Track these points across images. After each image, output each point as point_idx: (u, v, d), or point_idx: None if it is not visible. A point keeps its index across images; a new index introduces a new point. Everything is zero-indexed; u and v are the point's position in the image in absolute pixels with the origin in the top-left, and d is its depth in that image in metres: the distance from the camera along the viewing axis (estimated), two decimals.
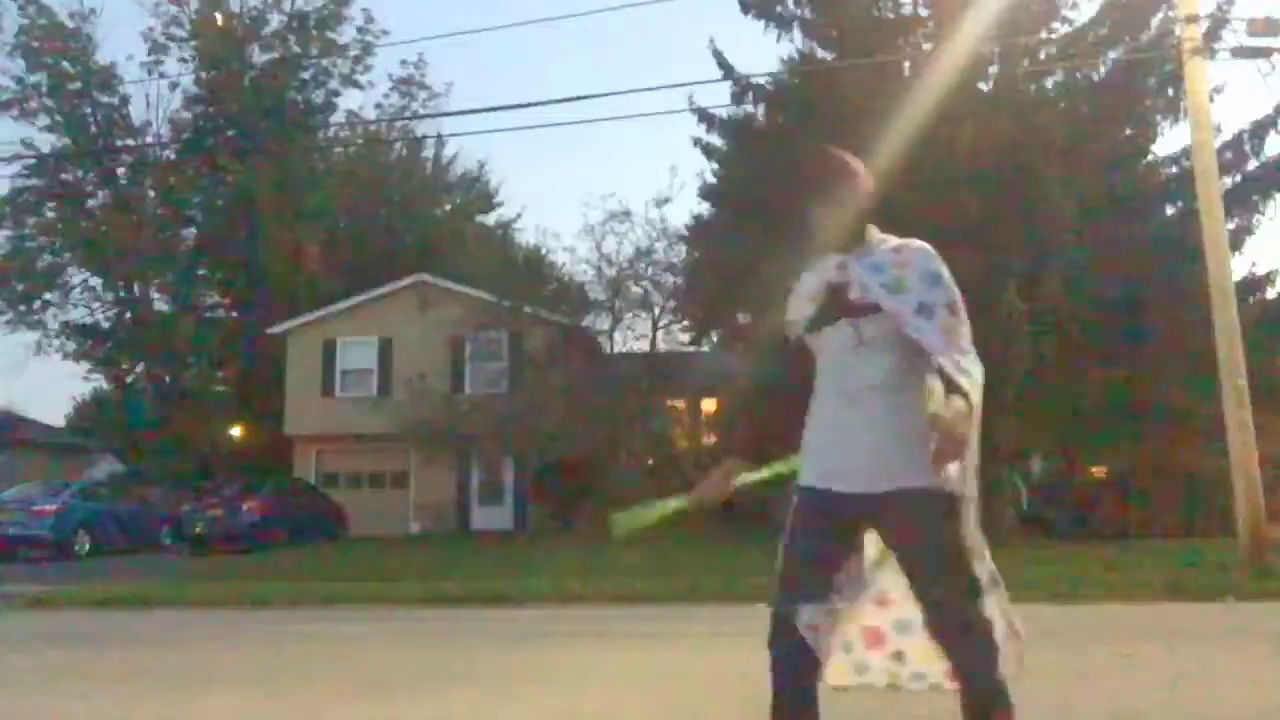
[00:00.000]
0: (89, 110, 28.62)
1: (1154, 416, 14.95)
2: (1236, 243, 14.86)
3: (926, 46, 16.41)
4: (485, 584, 9.99)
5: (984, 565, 2.46)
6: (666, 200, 20.18)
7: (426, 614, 8.47)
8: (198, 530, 18.32)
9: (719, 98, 27.14)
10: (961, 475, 2.39)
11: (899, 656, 2.65)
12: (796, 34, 17.12)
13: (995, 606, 2.47)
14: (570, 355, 21.34)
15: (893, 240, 2.53)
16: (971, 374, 2.35)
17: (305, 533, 18.79)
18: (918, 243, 2.51)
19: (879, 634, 2.65)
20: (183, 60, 29.13)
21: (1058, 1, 16.21)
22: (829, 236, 2.52)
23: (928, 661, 2.57)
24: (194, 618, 8.52)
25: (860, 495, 2.38)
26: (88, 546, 17.33)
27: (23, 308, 28.67)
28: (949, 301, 2.42)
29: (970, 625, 2.37)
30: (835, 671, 2.67)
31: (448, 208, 36.00)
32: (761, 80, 17.37)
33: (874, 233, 2.54)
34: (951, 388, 2.30)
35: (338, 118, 30.90)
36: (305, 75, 30.33)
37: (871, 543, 2.55)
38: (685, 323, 21.49)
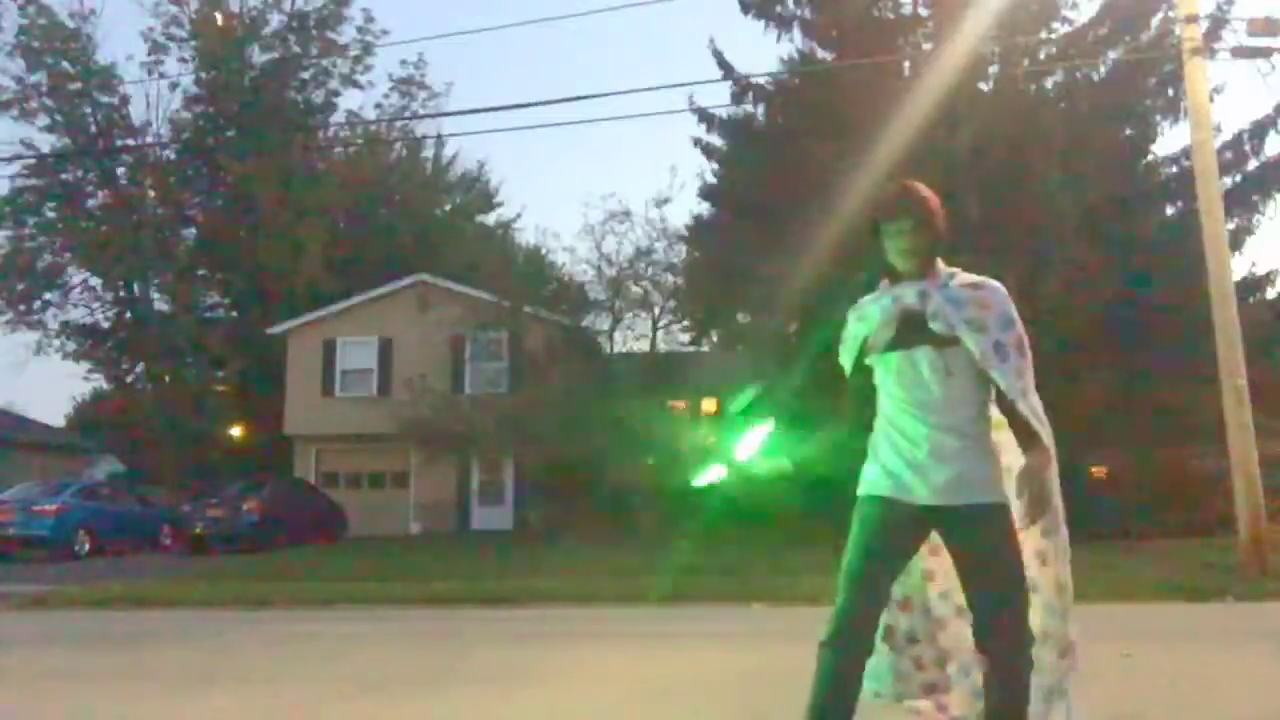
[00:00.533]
0: (89, 110, 28.57)
1: (1154, 416, 14.94)
2: (1236, 243, 14.86)
3: (926, 46, 16.42)
4: (485, 584, 9.99)
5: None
6: (666, 200, 20.16)
7: (426, 614, 8.47)
8: (198, 530, 18.31)
9: (719, 98, 27.14)
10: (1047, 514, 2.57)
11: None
12: (796, 34, 17.15)
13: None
14: (570, 355, 21.34)
15: (964, 275, 2.65)
16: (1041, 417, 2.56)
17: (305, 533, 18.77)
18: (993, 283, 2.64)
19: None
20: (183, 60, 29.08)
21: (1058, 1, 16.22)
22: (904, 262, 2.61)
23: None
24: (194, 618, 8.52)
25: (937, 508, 2.52)
26: (88, 546, 17.31)
27: (23, 308, 28.64)
28: (1020, 343, 2.57)
29: (1023, 644, 2.50)
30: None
31: (448, 208, 35.97)
32: (761, 80, 17.39)
33: (941, 264, 2.66)
34: (1030, 437, 2.55)
35: (338, 118, 30.84)
36: (305, 75, 30.27)
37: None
38: (685, 323, 21.48)
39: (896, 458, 2.58)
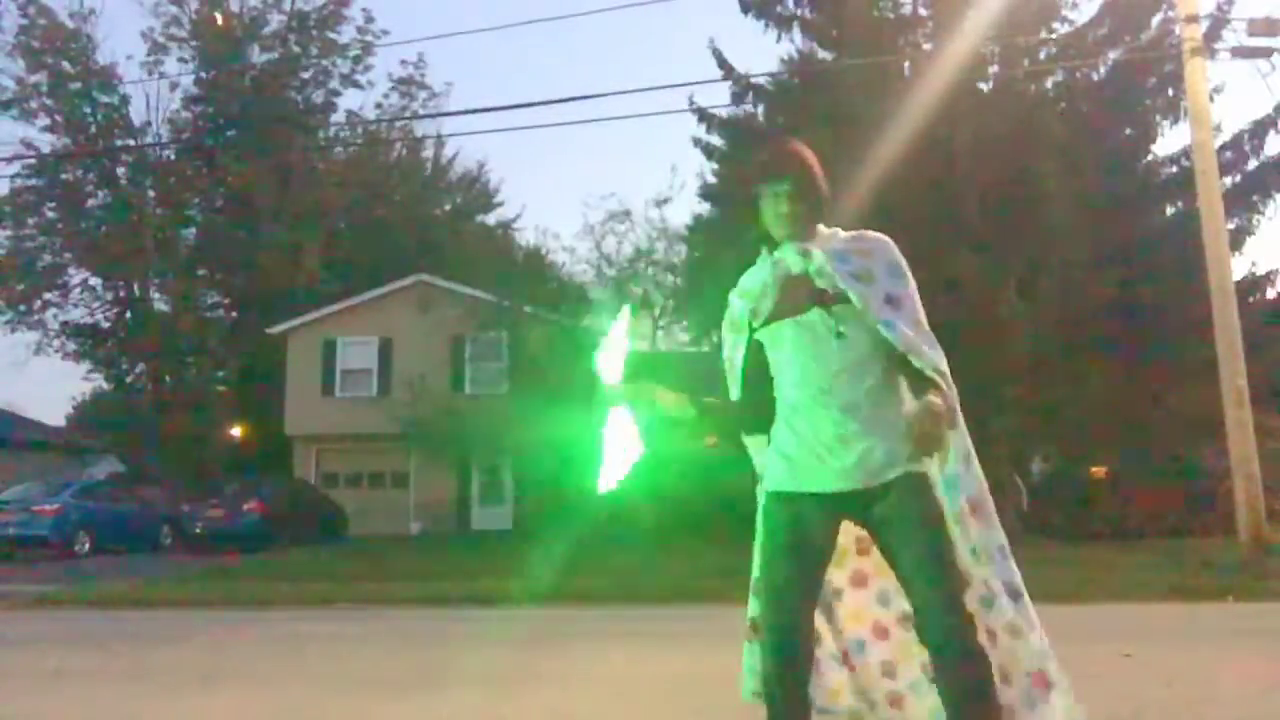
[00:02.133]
0: (89, 110, 28.59)
1: (1154, 416, 14.94)
2: (1236, 243, 14.86)
3: (926, 46, 16.41)
4: (485, 584, 9.99)
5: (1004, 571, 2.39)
6: (666, 200, 20.18)
7: (426, 614, 8.47)
8: (198, 530, 18.32)
9: (719, 98, 27.12)
10: (963, 467, 2.39)
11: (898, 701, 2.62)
12: (796, 34, 17.13)
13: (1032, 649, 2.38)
14: (570, 355, 21.32)
15: (844, 232, 2.47)
16: (942, 369, 2.31)
17: (305, 533, 18.77)
18: (874, 233, 2.46)
19: (900, 699, 2.61)
20: (183, 60, 29.13)
21: (1058, 1, 16.22)
22: (784, 228, 2.43)
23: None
24: (194, 618, 8.52)
25: (843, 494, 2.29)
26: (88, 546, 17.31)
27: (23, 308, 28.66)
28: (912, 294, 2.39)
29: (961, 629, 2.22)
30: (830, 693, 2.66)
31: (448, 208, 35.98)
32: (761, 80, 17.38)
33: (822, 228, 2.48)
34: (923, 383, 2.29)
35: (338, 118, 30.90)
36: (305, 75, 30.31)
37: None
38: (685, 323, 21.47)
39: (794, 444, 2.35)
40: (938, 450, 2.23)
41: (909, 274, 2.42)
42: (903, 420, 2.28)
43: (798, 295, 2.37)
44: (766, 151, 2.51)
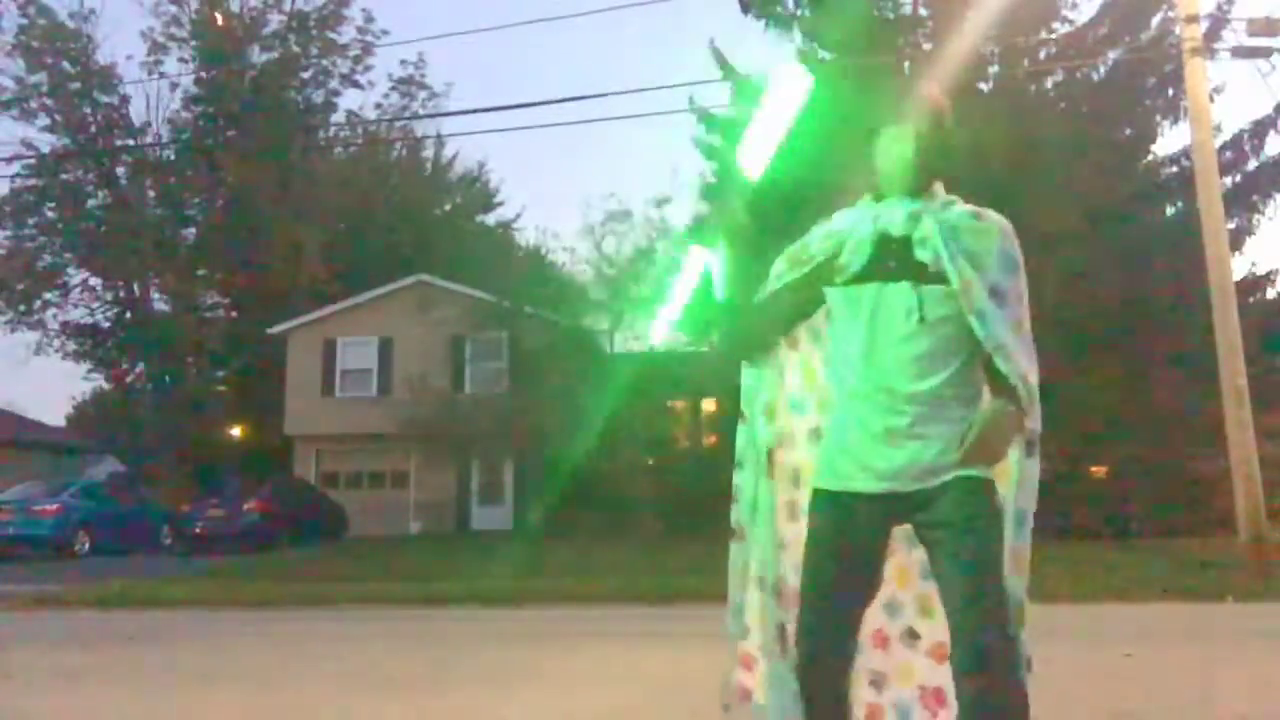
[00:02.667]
0: (89, 110, 28.58)
1: (1154, 416, 14.94)
2: (1236, 243, 14.86)
3: (926, 46, 16.42)
4: (485, 584, 9.99)
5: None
6: (666, 200, 20.18)
7: (426, 614, 8.47)
8: (198, 530, 18.31)
9: (719, 98, 27.10)
10: (1026, 502, 2.15)
11: None
12: (796, 34, 17.15)
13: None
14: (570, 355, 21.34)
15: (962, 203, 2.18)
16: (1031, 382, 2.05)
17: (305, 533, 18.77)
18: (997, 215, 2.18)
19: (942, 695, 2.29)
20: (183, 60, 29.14)
21: (1058, 1, 16.23)
22: (901, 176, 2.13)
23: None
24: (194, 618, 8.52)
25: (891, 494, 2.07)
26: (88, 546, 17.31)
27: (23, 308, 28.66)
28: (1022, 291, 2.12)
29: (1003, 660, 1.96)
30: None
31: (448, 208, 35.98)
32: (761, 80, 17.37)
33: (940, 187, 2.19)
34: (1005, 391, 2.03)
35: (338, 118, 30.90)
36: (305, 75, 30.31)
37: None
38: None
39: (843, 434, 2.12)
40: (990, 464, 1.99)
41: (1022, 269, 2.14)
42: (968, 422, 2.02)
43: (891, 261, 2.08)
44: (900, 88, 2.25)
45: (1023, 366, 2.04)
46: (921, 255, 2.06)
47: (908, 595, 2.32)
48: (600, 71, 64.13)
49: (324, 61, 30.05)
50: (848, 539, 2.11)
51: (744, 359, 2.43)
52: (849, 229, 2.17)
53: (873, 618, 2.29)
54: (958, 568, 2.00)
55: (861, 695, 2.35)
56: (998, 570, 2.02)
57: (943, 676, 2.18)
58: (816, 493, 2.17)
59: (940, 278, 2.04)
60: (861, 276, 2.11)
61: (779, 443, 2.42)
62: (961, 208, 2.16)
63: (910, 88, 2.23)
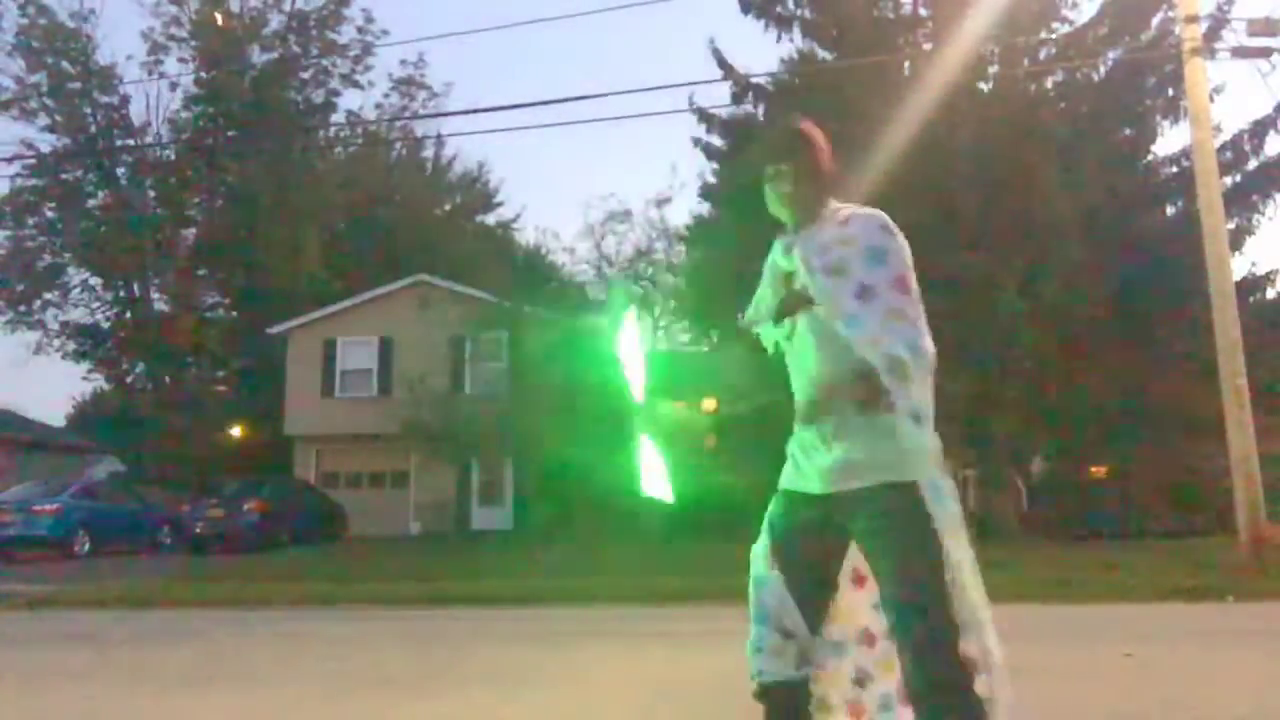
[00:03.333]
0: (89, 110, 28.60)
1: (1153, 416, 14.95)
2: (1236, 243, 14.87)
3: (926, 46, 16.42)
4: (485, 584, 9.99)
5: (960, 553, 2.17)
6: (666, 200, 20.21)
7: (426, 614, 8.47)
8: (198, 530, 18.31)
9: (719, 98, 27.11)
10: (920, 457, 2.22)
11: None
12: (796, 34, 17.16)
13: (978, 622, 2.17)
14: (570, 355, 21.34)
15: (846, 210, 2.35)
16: (898, 355, 2.16)
17: (305, 533, 18.77)
18: (867, 211, 2.33)
19: (860, 709, 2.41)
20: (183, 60, 29.15)
21: (1058, 1, 16.23)
22: (784, 213, 2.39)
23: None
24: (194, 618, 8.52)
25: (828, 496, 2.25)
26: (88, 546, 17.30)
27: (23, 308, 28.66)
28: (895, 277, 2.24)
29: (943, 671, 2.05)
30: None
31: (448, 208, 36.00)
32: (761, 80, 17.39)
33: (831, 206, 2.37)
34: (866, 378, 2.18)
35: (338, 118, 30.92)
36: (305, 75, 30.32)
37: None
38: (685, 323, 21.50)
39: (794, 441, 2.36)
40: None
41: (894, 250, 2.26)
42: (901, 426, 2.18)
43: (789, 295, 2.35)
44: (770, 132, 2.50)
45: (889, 348, 2.17)
46: (799, 283, 2.30)
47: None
48: (600, 71, 64.14)
49: (324, 61, 30.07)
50: (790, 537, 2.34)
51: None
52: (766, 270, 2.47)
53: (860, 614, 2.39)
54: (889, 581, 2.17)
55: (846, 693, 2.41)
56: (934, 581, 2.09)
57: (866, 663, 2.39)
58: (778, 493, 2.43)
59: (809, 301, 2.28)
60: (777, 313, 2.38)
61: None
62: (837, 219, 2.33)
63: (781, 126, 2.43)
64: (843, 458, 2.21)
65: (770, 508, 2.42)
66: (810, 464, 2.29)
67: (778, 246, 2.41)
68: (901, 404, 2.17)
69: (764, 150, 2.41)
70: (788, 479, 2.39)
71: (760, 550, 2.39)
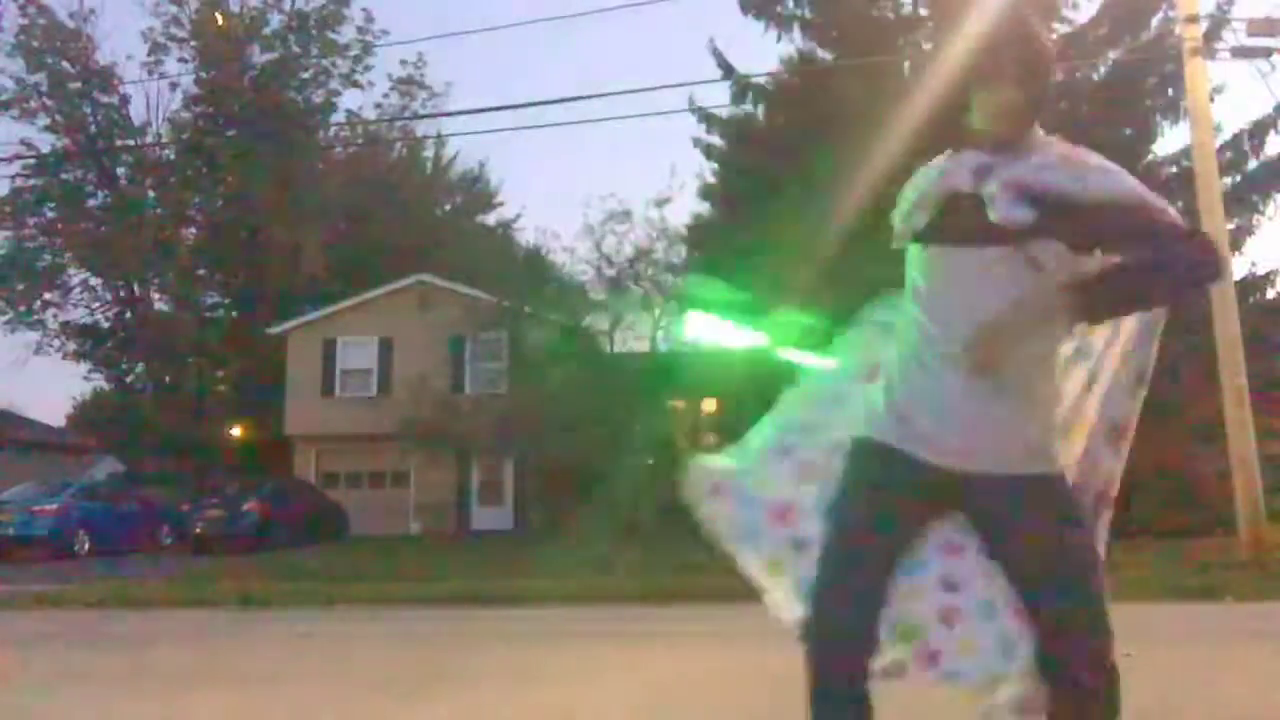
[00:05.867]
0: (89, 110, 28.61)
1: (1154, 416, 14.92)
2: (1236, 243, 14.87)
3: (926, 46, 16.43)
4: (485, 584, 9.99)
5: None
6: (666, 200, 20.17)
7: (426, 614, 8.47)
8: (198, 530, 18.32)
9: (719, 98, 27.12)
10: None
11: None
12: (796, 34, 17.17)
13: None
14: (570, 355, 21.35)
15: (1062, 145, 1.96)
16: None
17: (305, 533, 18.78)
18: (1090, 154, 1.96)
19: (955, 613, 2.04)
20: (183, 60, 29.18)
21: (1058, 1, 16.24)
22: (995, 123, 1.92)
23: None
24: (194, 618, 8.52)
25: (954, 473, 1.88)
26: (88, 546, 17.31)
27: (23, 308, 28.67)
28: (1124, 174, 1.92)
29: (1109, 672, 1.90)
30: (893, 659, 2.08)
31: (448, 208, 36.00)
32: (761, 80, 17.40)
33: (1038, 132, 1.97)
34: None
35: (338, 118, 30.93)
36: (305, 75, 30.32)
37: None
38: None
39: (910, 393, 1.92)
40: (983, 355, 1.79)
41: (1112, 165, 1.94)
42: (1052, 410, 1.91)
43: (964, 222, 1.89)
44: (994, 34, 1.95)
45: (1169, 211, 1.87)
46: (994, 215, 1.85)
47: (960, 567, 2.07)
48: (600, 71, 64.17)
49: (324, 61, 30.07)
50: (888, 506, 1.95)
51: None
52: (920, 187, 2.04)
53: (931, 595, 2.04)
54: (1043, 583, 1.92)
55: (932, 600, 2.04)
56: (1093, 578, 1.97)
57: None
58: (864, 443, 1.99)
59: (1012, 237, 1.83)
60: (928, 236, 1.96)
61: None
62: (1051, 150, 1.93)
63: (1009, 30, 1.94)
64: (1000, 433, 1.86)
65: (858, 469, 1.99)
66: (932, 427, 1.88)
67: (953, 162, 2.00)
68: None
69: (988, 49, 1.92)
70: (888, 430, 1.94)
71: (838, 541, 1.98)
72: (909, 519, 1.95)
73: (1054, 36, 15.86)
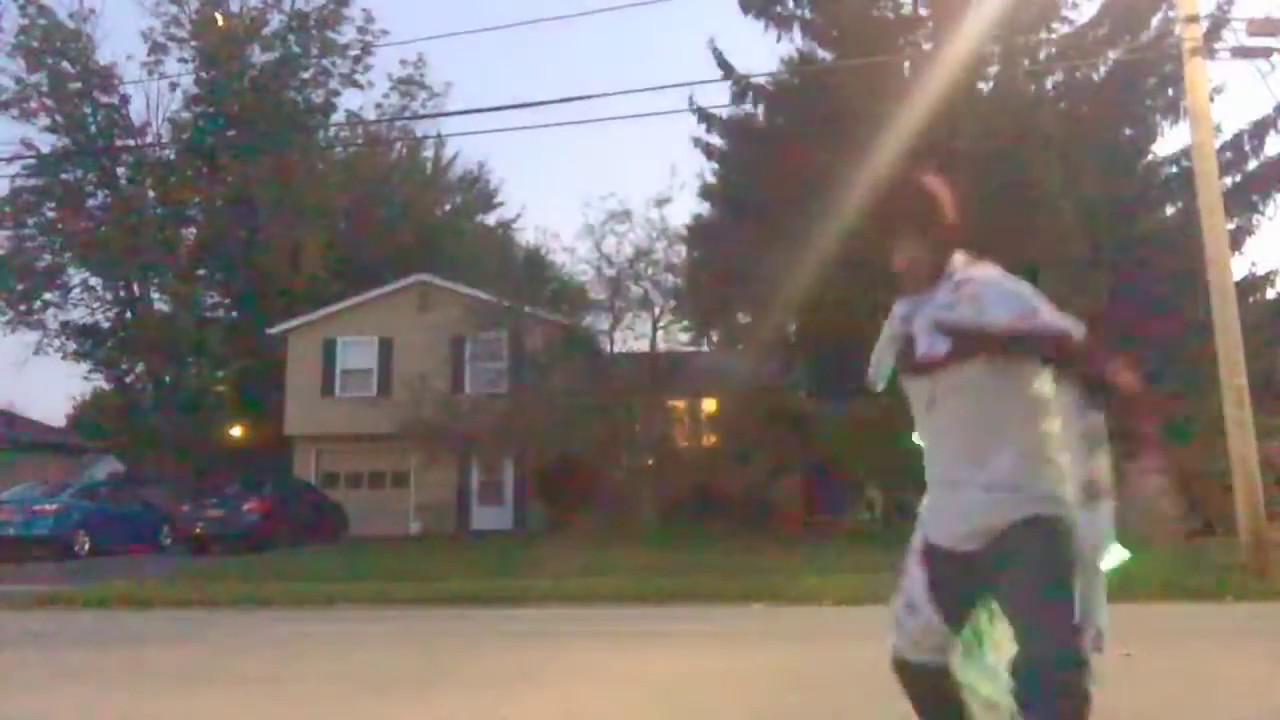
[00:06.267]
0: (89, 110, 28.59)
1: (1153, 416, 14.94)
2: (1236, 243, 14.87)
3: (926, 46, 16.43)
4: (485, 584, 10.00)
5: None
6: (666, 200, 20.16)
7: (427, 614, 8.47)
8: (198, 530, 18.31)
9: (719, 98, 27.14)
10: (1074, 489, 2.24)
11: None
12: (796, 34, 17.18)
13: None
14: (570, 355, 21.35)
15: (964, 271, 2.24)
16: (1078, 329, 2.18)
17: (305, 533, 18.76)
18: (983, 272, 2.23)
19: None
20: (183, 60, 29.12)
21: (1058, 1, 16.25)
22: (906, 278, 2.27)
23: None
24: (194, 618, 8.52)
25: (959, 553, 2.23)
26: (88, 546, 17.30)
27: (23, 308, 28.66)
28: (1042, 307, 2.19)
29: (1065, 688, 2.02)
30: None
31: (448, 208, 35.99)
32: (761, 80, 17.40)
33: (955, 263, 2.26)
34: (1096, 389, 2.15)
35: (338, 118, 30.89)
36: (305, 75, 30.29)
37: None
38: (685, 323, 21.48)
39: (927, 497, 2.33)
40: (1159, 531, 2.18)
41: (1026, 293, 2.20)
42: (1015, 465, 2.16)
43: (902, 360, 2.30)
44: (895, 191, 2.31)
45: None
46: (919, 350, 2.20)
47: None
48: (600, 71, 64.18)
49: (324, 61, 30.04)
50: (936, 588, 2.28)
51: None
52: (889, 331, 2.36)
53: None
54: (1020, 603, 2.15)
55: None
56: (1067, 598, 2.13)
57: None
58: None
59: (941, 363, 2.16)
60: (895, 373, 2.32)
61: None
62: (951, 283, 2.21)
63: (906, 187, 2.28)
64: (975, 510, 2.19)
65: (912, 558, 2.36)
66: (941, 519, 2.27)
67: (898, 308, 2.32)
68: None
69: (889, 212, 2.27)
70: (925, 530, 2.34)
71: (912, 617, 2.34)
72: (946, 593, 2.31)
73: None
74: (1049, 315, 2.15)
